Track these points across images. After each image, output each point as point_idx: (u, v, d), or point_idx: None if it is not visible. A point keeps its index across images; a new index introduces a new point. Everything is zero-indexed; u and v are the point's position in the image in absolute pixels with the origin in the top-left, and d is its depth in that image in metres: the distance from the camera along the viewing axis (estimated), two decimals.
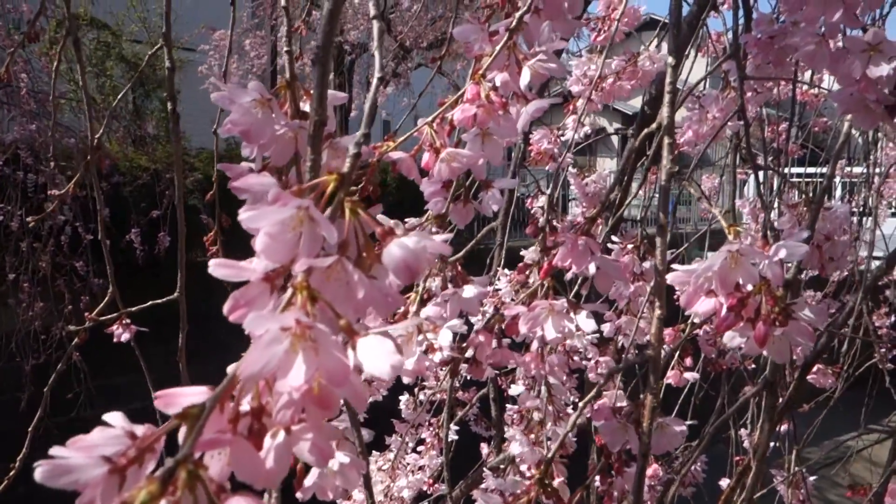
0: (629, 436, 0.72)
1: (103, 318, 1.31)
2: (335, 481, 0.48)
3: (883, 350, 2.47)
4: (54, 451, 0.30)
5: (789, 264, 0.85)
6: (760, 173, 1.05)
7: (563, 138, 1.32)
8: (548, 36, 0.54)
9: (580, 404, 0.66)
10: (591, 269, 0.62)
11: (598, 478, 0.83)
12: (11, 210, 4.09)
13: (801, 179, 3.39)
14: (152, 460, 0.31)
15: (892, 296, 3.09)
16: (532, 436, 0.90)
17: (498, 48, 0.53)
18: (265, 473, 0.32)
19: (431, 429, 1.46)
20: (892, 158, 3.06)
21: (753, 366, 1.87)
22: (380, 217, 0.54)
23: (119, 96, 1.84)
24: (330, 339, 0.30)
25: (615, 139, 9.36)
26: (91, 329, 1.33)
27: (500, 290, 0.98)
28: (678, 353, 1.20)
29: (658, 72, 1.18)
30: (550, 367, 0.82)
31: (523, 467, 0.90)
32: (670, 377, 1.24)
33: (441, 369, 1.14)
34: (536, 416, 0.93)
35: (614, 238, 0.94)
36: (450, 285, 0.69)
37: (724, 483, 1.90)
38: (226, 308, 0.35)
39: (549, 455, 0.63)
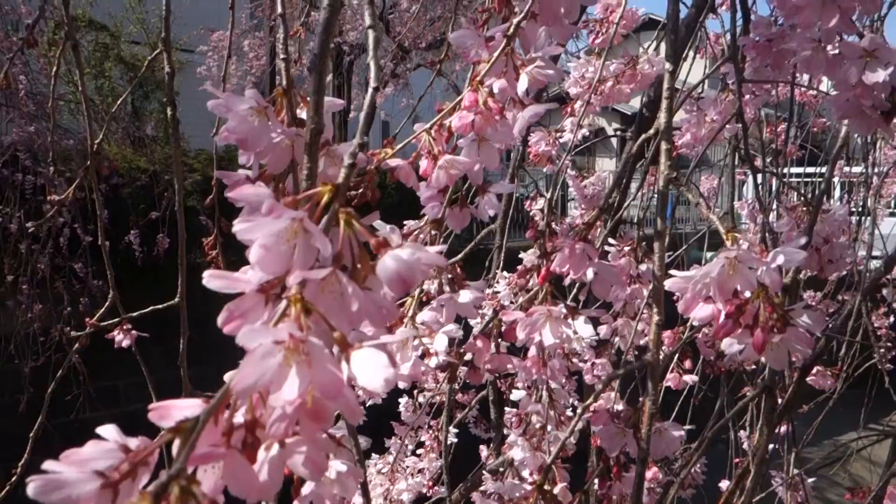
0: (627, 440, 0.72)
1: (104, 323, 1.31)
2: (333, 490, 0.48)
3: (882, 350, 2.47)
4: (47, 465, 0.30)
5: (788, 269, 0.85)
6: (759, 176, 1.05)
7: (561, 140, 1.32)
8: (544, 41, 0.54)
9: (579, 410, 0.66)
10: (590, 274, 0.62)
11: (596, 481, 0.83)
12: (10, 212, 4.08)
13: (799, 179, 3.40)
14: (146, 474, 0.31)
15: (890, 295, 3.09)
16: (533, 440, 0.90)
17: (496, 54, 0.53)
18: (259, 487, 0.32)
19: (431, 431, 1.46)
20: (890, 158, 3.06)
21: (753, 366, 1.87)
22: (376, 223, 0.54)
23: (119, 101, 1.83)
24: (323, 352, 0.30)
25: (614, 139, 9.35)
26: (91, 332, 1.33)
27: (498, 292, 0.98)
28: (677, 355, 1.20)
29: (657, 74, 1.18)
30: (552, 372, 0.82)
31: (524, 472, 0.90)
32: (670, 380, 1.24)
33: (440, 372, 1.14)
34: (535, 419, 0.93)
35: (611, 241, 0.94)
36: (446, 288, 0.69)
37: (724, 485, 1.90)
38: (220, 320, 0.35)
39: (549, 461, 0.63)
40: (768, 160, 1.67)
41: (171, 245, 4.68)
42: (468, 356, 0.82)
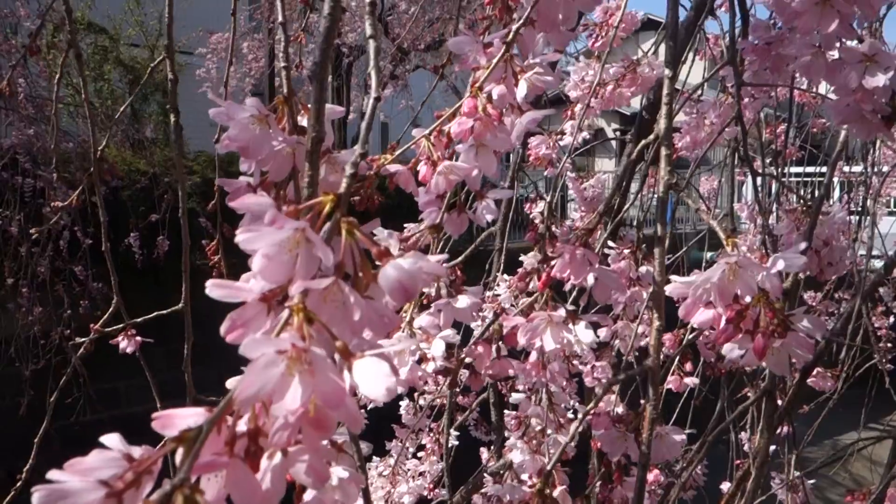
0: (628, 444, 0.72)
1: (108, 329, 1.31)
2: (335, 496, 0.48)
3: (882, 348, 2.48)
4: (52, 474, 0.30)
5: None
6: (758, 178, 1.05)
7: (561, 143, 1.32)
8: (542, 47, 0.54)
9: (580, 414, 0.66)
10: (590, 280, 0.62)
11: (598, 485, 0.83)
12: (10, 215, 4.08)
13: (799, 179, 3.40)
14: (149, 483, 0.31)
15: (887, 295, 3.10)
16: (533, 443, 0.90)
17: (495, 61, 0.53)
18: (261, 495, 0.32)
19: (432, 434, 1.46)
20: (889, 158, 3.06)
21: (754, 368, 1.87)
22: (377, 230, 0.54)
23: (122, 109, 1.84)
24: (325, 361, 0.30)
25: (613, 140, 9.36)
26: (95, 338, 1.33)
27: (499, 295, 0.98)
28: (678, 358, 1.20)
29: (658, 77, 1.18)
30: (551, 375, 0.82)
31: (524, 475, 0.90)
32: (671, 382, 1.25)
33: (440, 375, 1.14)
34: (535, 422, 0.93)
35: (611, 244, 0.94)
36: (444, 292, 0.69)
37: (725, 486, 1.91)
38: (223, 329, 0.36)
39: (549, 466, 0.63)
40: (768, 161, 1.67)
41: (171, 247, 4.69)
42: (469, 359, 0.82)
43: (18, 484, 1.19)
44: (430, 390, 1.41)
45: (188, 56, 6.87)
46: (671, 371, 1.22)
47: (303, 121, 0.50)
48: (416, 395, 1.44)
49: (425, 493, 1.40)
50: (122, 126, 5.93)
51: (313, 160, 0.43)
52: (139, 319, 1.28)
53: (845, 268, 1.04)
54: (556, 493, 0.74)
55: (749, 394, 1.67)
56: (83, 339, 1.32)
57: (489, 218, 0.62)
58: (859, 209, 2.75)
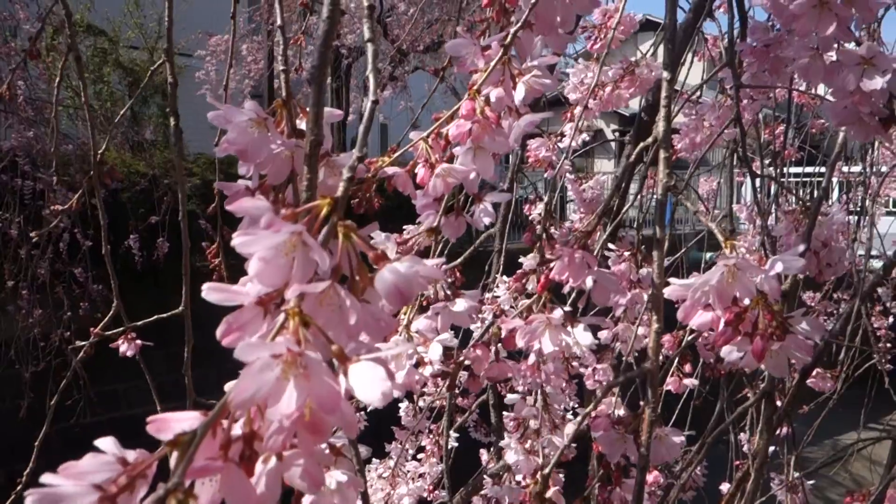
0: (628, 446, 0.72)
1: (109, 332, 1.31)
2: (333, 500, 0.48)
3: (881, 348, 2.48)
4: (46, 478, 0.30)
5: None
6: (757, 179, 1.05)
7: (561, 145, 1.32)
8: (540, 50, 0.54)
9: (579, 416, 0.66)
10: (589, 282, 0.62)
11: (597, 486, 0.83)
12: (10, 217, 4.08)
13: (798, 180, 3.40)
14: (144, 487, 0.31)
15: (886, 295, 3.10)
16: (528, 444, 0.90)
17: (493, 64, 0.53)
18: (256, 500, 0.32)
19: (431, 436, 1.46)
20: (887, 158, 3.06)
21: (754, 368, 1.86)
22: (374, 233, 0.54)
23: (122, 111, 1.84)
24: (321, 365, 0.30)
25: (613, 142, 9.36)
26: (95, 341, 1.33)
27: (498, 297, 0.98)
28: (677, 359, 1.20)
29: (656, 78, 1.18)
30: (546, 376, 0.82)
31: (519, 476, 0.90)
32: (670, 384, 1.24)
33: (438, 378, 1.14)
34: (533, 424, 0.93)
35: (611, 246, 0.94)
36: (442, 294, 0.69)
37: (725, 487, 1.90)
38: (219, 332, 0.35)
39: (548, 470, 0.63)
40: (767, 162, 1.67)
41: (171, 250, 4.69)
42: (468, 362, 0.82)
43: (18, 487, 1.19)
44: (429, 392, 1.41)
45: (188, 58, 6.87)
46: (670, 372, 1.22)
47: (301, 124, 0.50)
48: (415, 397, 1.44)
49: (425, 494, 1.39)
50: (122, 128, 5.93)
51: (312, 163, 0.43)
52: (139, 323, 1.28)
53: (844, 269, 1.04)
54: (548, 494, 0.74)
55: (748, 395, 1.67)
56: (83, 343, 1.32)
57: (487, 221, 0.62)
58: (858, 209, 2.75)
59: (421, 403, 1.45)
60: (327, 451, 0.46)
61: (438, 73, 0.99)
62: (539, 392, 0.89)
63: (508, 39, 0.53)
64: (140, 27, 7.26)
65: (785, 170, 2.45)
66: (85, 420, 4.16)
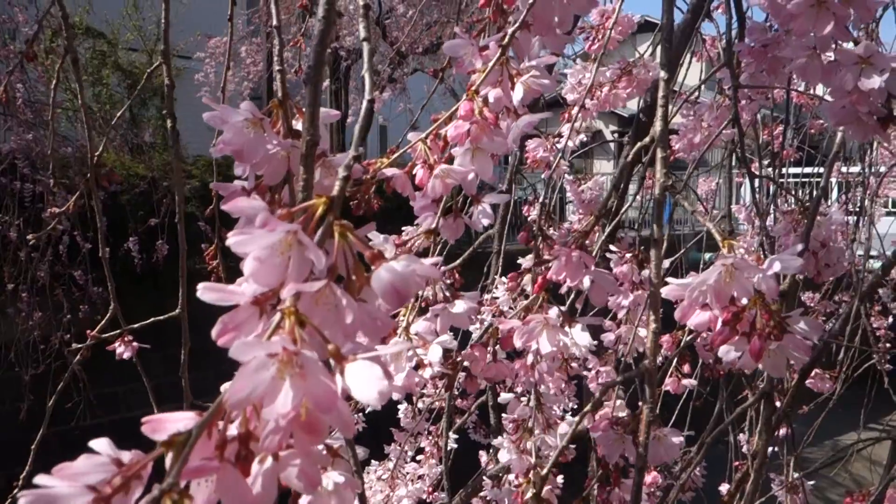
0: (626, 446, 0.72)
1: (106, 335, 1.31)
2: (331, 502, 0.48)
3: (881, 348, 2.48)
4: (40, 479, 0.30)
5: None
6: (756, 180, 1.05)
7: (559, 146, 1.32)
8: (538, 50, 0.54)
9: (577, 417, 0.65)
10: (586, 282, 0.62)
11: (596, 487, 0.83)
12: (9, 220, 4.08)
13: (797, 180, 3.40)
14: (139, 488, 0.31)
15: (886, 295, 3.10)
16: (521, 444, 0.90)
17: (491, 64, 0.53)
18: (252, 500, 0.32)
19: (430, 437, 1.46)
20: (886, 158, 3.06)
21: (753, 369, 1.86)
22: (372, 234, 0.54)
23: (120, 113, 1.83)
24: (317, 365, 0.30)
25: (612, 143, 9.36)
26: (92, 344, 1.33)
27: (497, 298, 0.98)
28: (676, 360, 1.20)
29: (654, 79, 1.18)
30: (540, 376, 0.82)
31: (512, 476, 0.89)
32: (669, 384, 1.24)
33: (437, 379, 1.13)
34: (530, 423, 0.92)
35: (612, 248, 0.93)
36: (441, 296, 0.69)
37: (724, 488, 1.90)
38: (214, 332, 0.35)
39: (545, 471, 0.63)
40: (765, 162, 1.67)
41: (170, 252, 4.68)
42: (466, 363, 0.82)
43: (16, 491, 1.19)
44: (428, 393, 1.41)
45: (186, 60, 6.87)
46: (669, 373, 1.22)
47: (297, 124, 0.50)
48: (414, 398, 1.44)
49: (424, 496, 1.39)
50: (121, 130, 5.93)
51: (308, 164, 0.43)
52: (136, 325, 1.28)
53: (843, 269, 1.04)
54: (543, 493, 0.74)
55: (748, 395, 1.67)
56: (80, 346, 1.32)
57: (485, 223, 0.61)
58: (857, 210, 2.75)
59: (420, 405, 1.45)
60: (324, 452, 0.46)
61: (437, 74, 0.99)
62: (533, 391, 0.88)
63: (506, 40, 0.53)
64: (139, 29, 7.26)
65: (783, 170, 2.45)
66: (84, 422, 4.15)
